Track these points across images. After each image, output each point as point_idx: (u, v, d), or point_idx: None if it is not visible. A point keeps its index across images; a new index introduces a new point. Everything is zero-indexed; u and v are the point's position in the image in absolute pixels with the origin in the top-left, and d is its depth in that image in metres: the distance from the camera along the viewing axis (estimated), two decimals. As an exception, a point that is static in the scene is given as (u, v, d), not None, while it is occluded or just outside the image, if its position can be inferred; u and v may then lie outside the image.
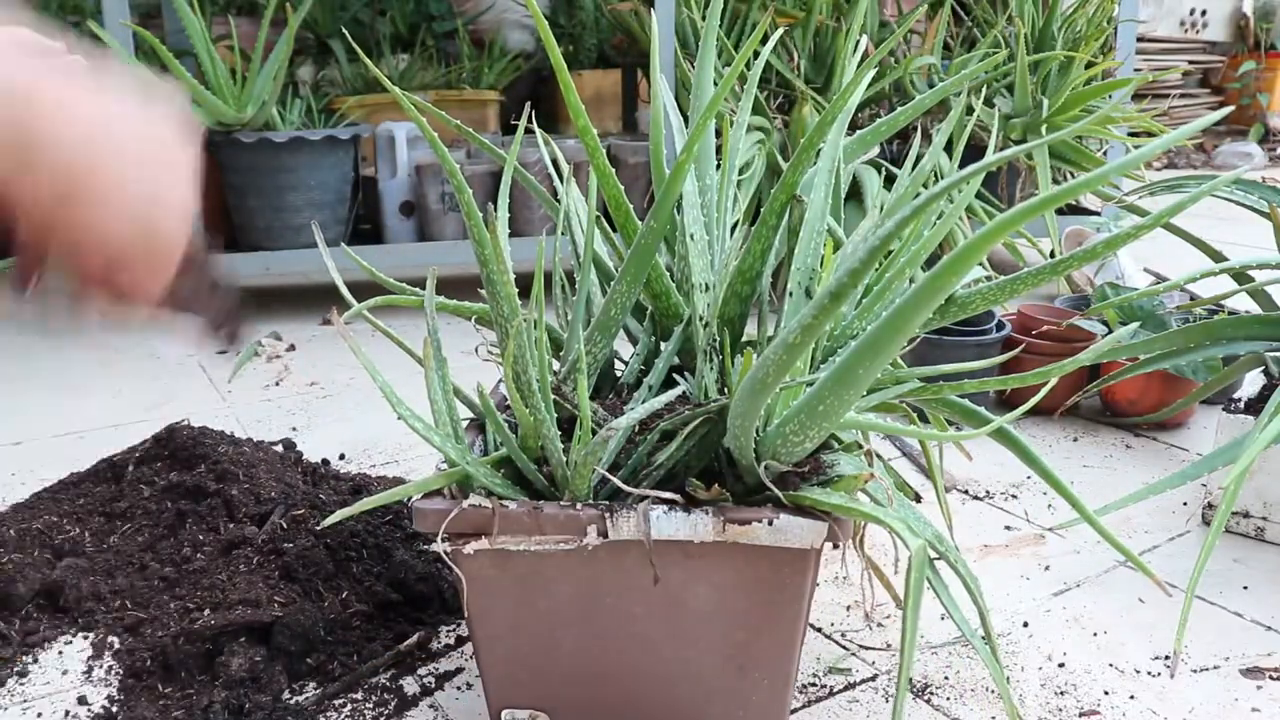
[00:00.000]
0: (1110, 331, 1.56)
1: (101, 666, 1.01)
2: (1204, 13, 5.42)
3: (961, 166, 1.45)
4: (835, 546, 0.77)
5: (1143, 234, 0.58)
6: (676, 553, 0.77)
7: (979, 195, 2.37)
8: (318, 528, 1.12)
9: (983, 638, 0.83)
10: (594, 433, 0.77)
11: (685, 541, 0.76)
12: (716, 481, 0.79)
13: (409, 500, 0.92)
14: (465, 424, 0.91)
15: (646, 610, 0.81)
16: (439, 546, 0.79)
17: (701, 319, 0.90)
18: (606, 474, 0.77)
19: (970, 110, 1.98)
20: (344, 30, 2.44)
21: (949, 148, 1.90)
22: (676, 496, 0.77)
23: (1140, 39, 3.65)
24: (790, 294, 0.87)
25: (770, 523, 0.75)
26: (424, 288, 0.91)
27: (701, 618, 0.80)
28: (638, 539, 0.76)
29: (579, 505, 0.78)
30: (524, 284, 0.87)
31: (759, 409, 0.73)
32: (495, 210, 0.88)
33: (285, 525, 1.16)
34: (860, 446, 0.84)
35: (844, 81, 1.04)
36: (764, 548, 0.76)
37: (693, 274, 0.91)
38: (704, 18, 0.98)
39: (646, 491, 0.77)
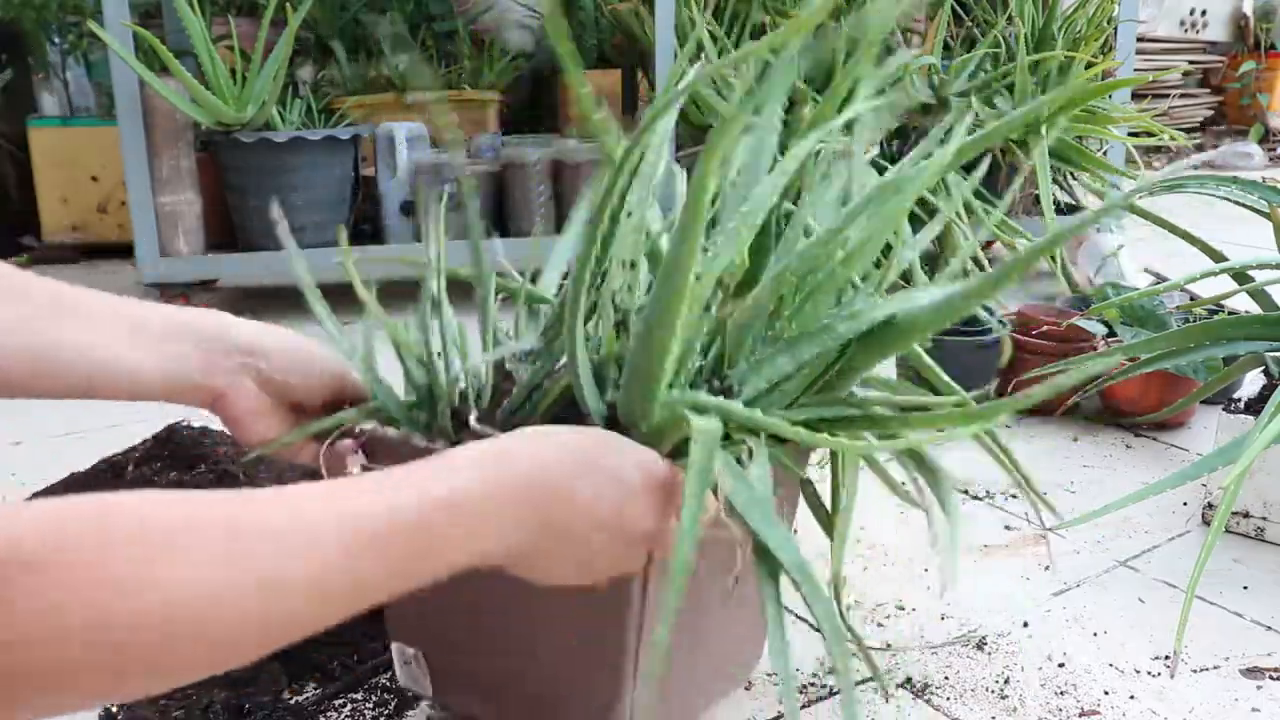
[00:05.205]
0: (1111, 331, 1.56)
1: (101, 666, 1.01)
2: (1204, 13, 5.41)
3: (966, 169, 1.44)
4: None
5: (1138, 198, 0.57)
6: None
7: (978, 195, 2.36)
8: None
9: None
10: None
11: None
12: None
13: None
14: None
15: (498, 579, 0.78)
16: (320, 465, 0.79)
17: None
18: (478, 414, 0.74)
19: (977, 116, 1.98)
20: (327, 36, 2.43)
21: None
22: None
23: (1140, 39, 3.64)
24: None
25: None
26: (422, 287, 0.91)
27: (545, 601, 0.75)
28: None
29: (438, 441, 0.74)
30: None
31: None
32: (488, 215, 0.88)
33: (285, 525, 1.16)
34: None
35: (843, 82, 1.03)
36: None
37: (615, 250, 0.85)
38: (704, 18, 0.97)
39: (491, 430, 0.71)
